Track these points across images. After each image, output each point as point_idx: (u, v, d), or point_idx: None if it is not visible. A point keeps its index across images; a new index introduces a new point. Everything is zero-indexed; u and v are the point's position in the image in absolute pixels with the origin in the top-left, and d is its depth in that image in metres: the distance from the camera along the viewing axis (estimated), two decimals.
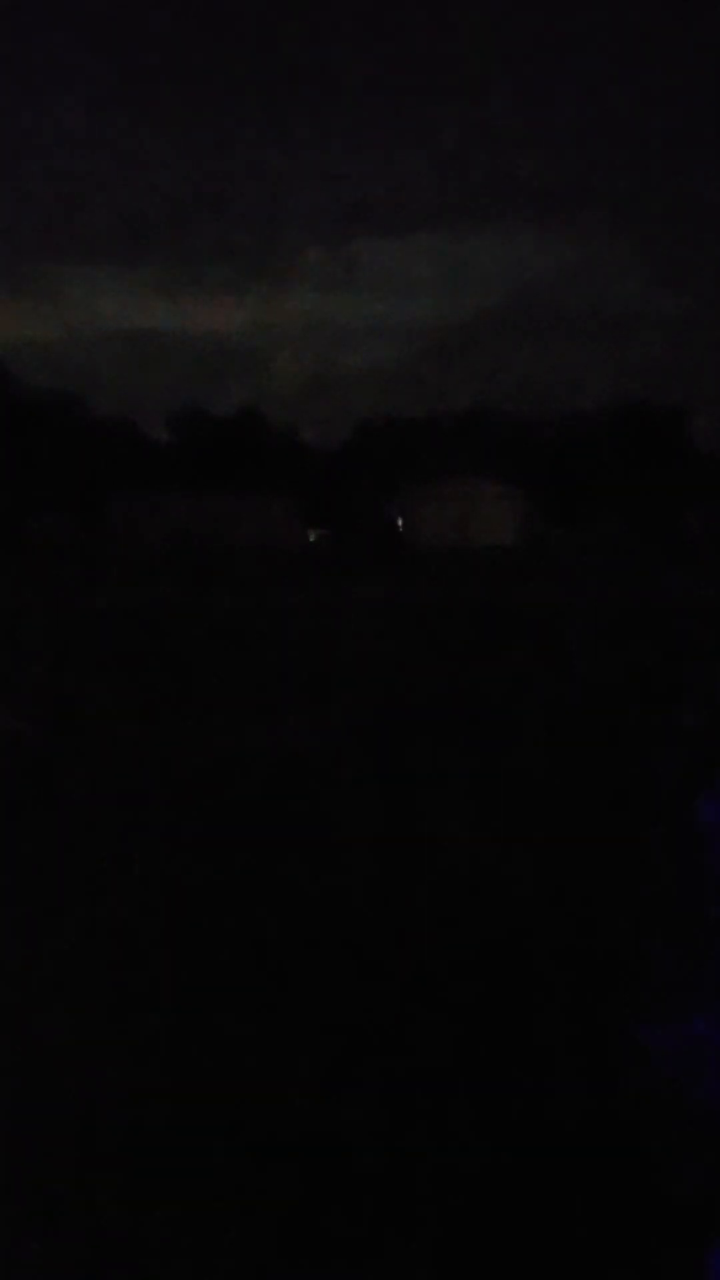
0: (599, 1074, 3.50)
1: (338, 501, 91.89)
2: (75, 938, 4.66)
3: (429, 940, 4.59)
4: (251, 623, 19.62)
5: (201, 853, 5.82)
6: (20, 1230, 2.81)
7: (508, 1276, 2.65)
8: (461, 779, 7.45)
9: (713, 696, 10.96)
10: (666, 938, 4.59)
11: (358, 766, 7.84)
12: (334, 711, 10.05)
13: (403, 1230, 2.79)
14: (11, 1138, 3.22)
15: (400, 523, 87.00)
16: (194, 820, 6.47)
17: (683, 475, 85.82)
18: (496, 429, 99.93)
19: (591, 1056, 3.62)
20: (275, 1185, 2.97)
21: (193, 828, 6.31)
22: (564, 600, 24.47)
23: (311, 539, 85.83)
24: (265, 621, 19.83)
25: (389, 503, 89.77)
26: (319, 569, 42.09)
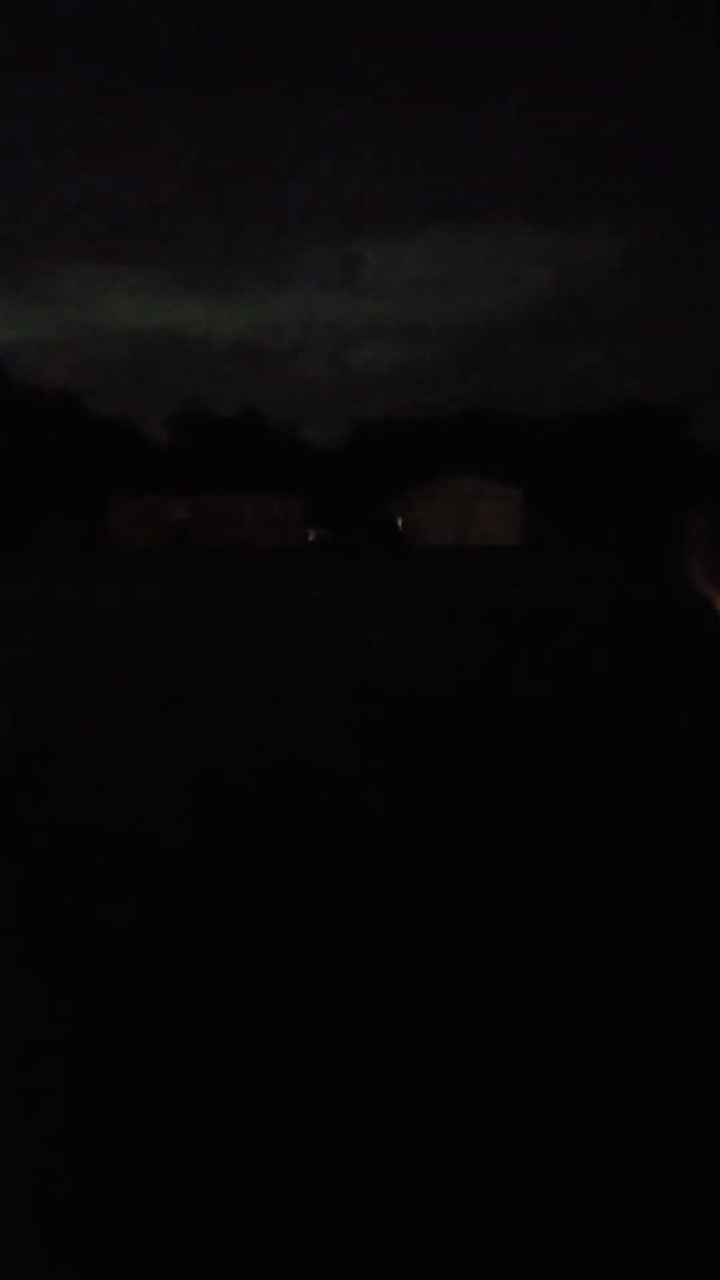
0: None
1: (338, 501, 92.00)
2: (71, 938, 4.65)
3: (428, 942, 4.58)
4: (250, 622, 19.62)
5: (200, 853, 5.81)
6: (17, 1229, 2.80)
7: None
8: (461, 779, 7.44)
9: (712, 697, 10.95)
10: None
11: (358, 766, 7.84)
12: (334, 711, 10.06)
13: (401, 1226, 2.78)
14: (9, 1136, 3.21)
15: (400, 523, 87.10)
16: (192, 819, 6.46)
17: (683, 475, 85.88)
18: (496, 429, 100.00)
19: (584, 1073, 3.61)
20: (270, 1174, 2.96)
21: (191, 827, 6.30)
22: (563, 600, 24.49)
23: (311, 539, 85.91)
24: (264, 621, 19.83)
25: (389, 503, 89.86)
26: (318, 569, 42.11)
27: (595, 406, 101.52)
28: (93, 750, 8.44)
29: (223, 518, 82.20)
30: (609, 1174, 2.98)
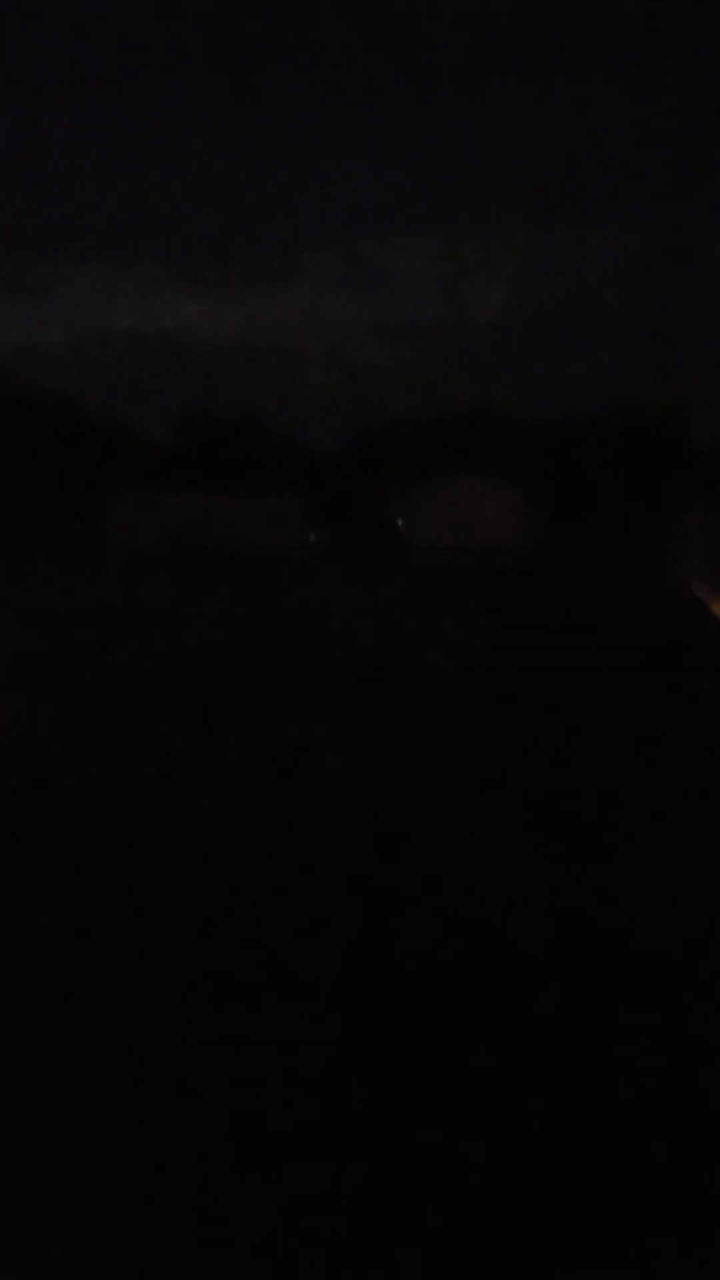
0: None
1: (338, 501, 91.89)
2: (72, 939, 4.66)
3: (427, 942, 4.59)
4: (250, 622, 19.61)
5: (200, 853, 5.81)
6: (17, 1229, 2.80)
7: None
8: (461, 779, 7.44)
9: (712, 692, 10.95)
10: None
11: (358, 766, 7.84)
12: (334, 711, 10.05)
13: (406, 1228, 2.78)
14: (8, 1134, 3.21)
15: (400, 523, 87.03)
16: (193, 819, 6.46)
17: (683, 475, 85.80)
18: (496, 429, 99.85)
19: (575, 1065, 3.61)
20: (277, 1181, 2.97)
21: (192, 827, 6.30)
22: (563, 600, 24.46)
23: (311, 539, 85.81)
24: (264, 621, 19.82)
25: (389, 503, 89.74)
26: (319, 569, 42.06)
27: (595, 406, 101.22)
28: (93, 750, 8.44)
29: (223, 518, 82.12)
30: (610, 1175, 2.99)
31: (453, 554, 59.55)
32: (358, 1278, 2.63)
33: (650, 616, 20.11)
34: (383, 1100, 3.35)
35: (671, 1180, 2.97)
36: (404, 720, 9.61)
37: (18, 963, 4.42)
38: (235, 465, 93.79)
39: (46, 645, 15.76)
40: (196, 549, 66.90)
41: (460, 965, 4.32)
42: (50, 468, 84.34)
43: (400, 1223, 2.81)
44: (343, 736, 8.89)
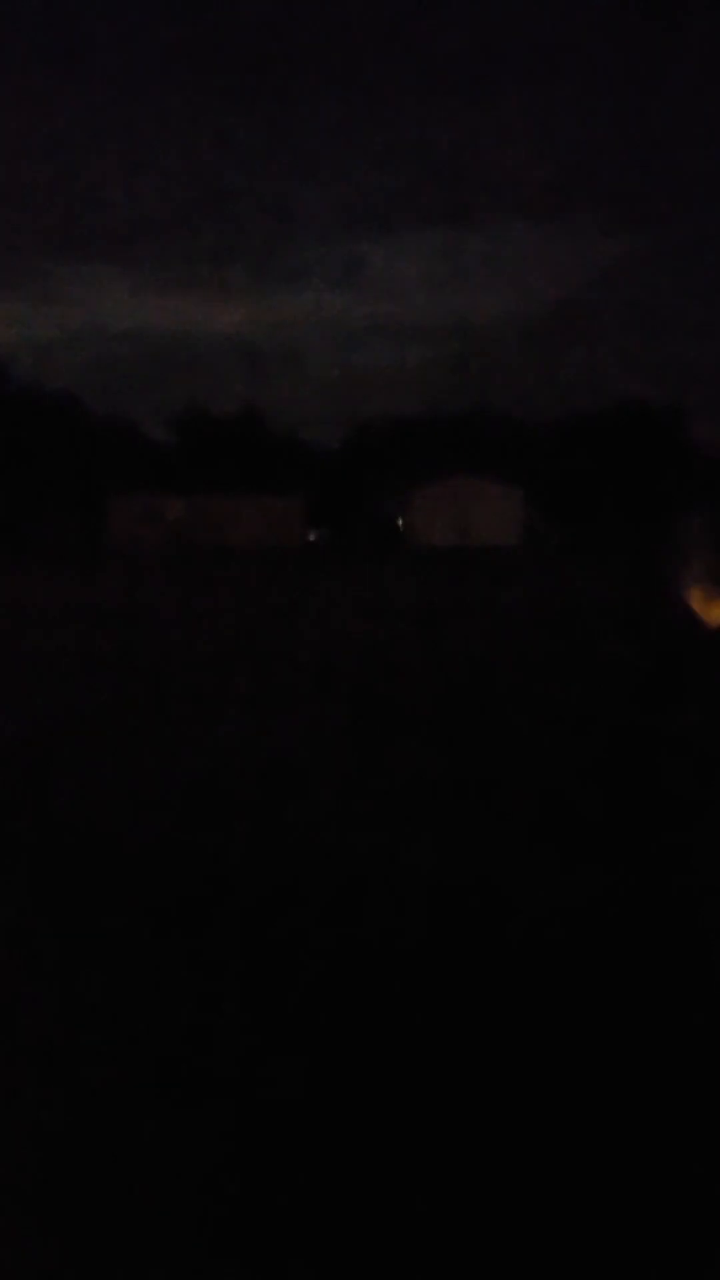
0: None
1: (338, 501, 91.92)
2: (70, 938, 4.66)
3: (424, 943, 4.59)
4: (250, 622, 19.61)
5: (199, 852, 5.81)
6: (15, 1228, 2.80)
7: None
8: (459, 779, 7.44)
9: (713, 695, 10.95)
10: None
11: (357, 766, 7.84)
12: (333, 711, 10.05)
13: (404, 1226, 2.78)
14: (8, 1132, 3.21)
15: (400, 523, 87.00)
16: (191, 820, 6.46)
17: (683, 475, 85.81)
18: (496, 429, 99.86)
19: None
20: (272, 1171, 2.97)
21: (190, 827, 6.30)
22: (563, 600, 24.48)
23: (311, 539, 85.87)
24: (263, 621, 19.82)
25: (389, 503, 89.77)
26: (318, 568, 42.07)
27: (595, 406, 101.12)
28: (92, 751, 8.44)
29: (223, 518, 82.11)
30: (609, 1174, 2.99)
31: (453, 554, 59.58)
32: (356, 1277, 2.63)
33: (649, 616, 20.11)
34: (381, 1100, 3.36)
35: (671, 1190, 2.97)
36: (402, 720, 9.61)
37: (13, 963, 4.42)
38: (235, 465, 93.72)
39: (46, 645, 15.76)
40: (196, 549, 66.89)
41: (459, 966, 4.32)
42: (50, 467, 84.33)
43: (398, 1223, 2.81)
44: (341, 738, 8.89)
